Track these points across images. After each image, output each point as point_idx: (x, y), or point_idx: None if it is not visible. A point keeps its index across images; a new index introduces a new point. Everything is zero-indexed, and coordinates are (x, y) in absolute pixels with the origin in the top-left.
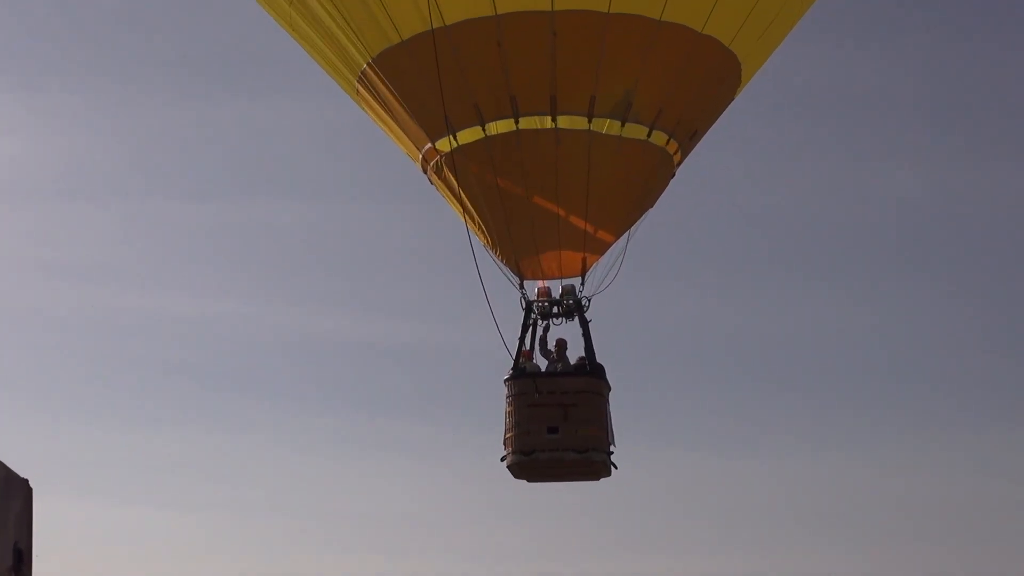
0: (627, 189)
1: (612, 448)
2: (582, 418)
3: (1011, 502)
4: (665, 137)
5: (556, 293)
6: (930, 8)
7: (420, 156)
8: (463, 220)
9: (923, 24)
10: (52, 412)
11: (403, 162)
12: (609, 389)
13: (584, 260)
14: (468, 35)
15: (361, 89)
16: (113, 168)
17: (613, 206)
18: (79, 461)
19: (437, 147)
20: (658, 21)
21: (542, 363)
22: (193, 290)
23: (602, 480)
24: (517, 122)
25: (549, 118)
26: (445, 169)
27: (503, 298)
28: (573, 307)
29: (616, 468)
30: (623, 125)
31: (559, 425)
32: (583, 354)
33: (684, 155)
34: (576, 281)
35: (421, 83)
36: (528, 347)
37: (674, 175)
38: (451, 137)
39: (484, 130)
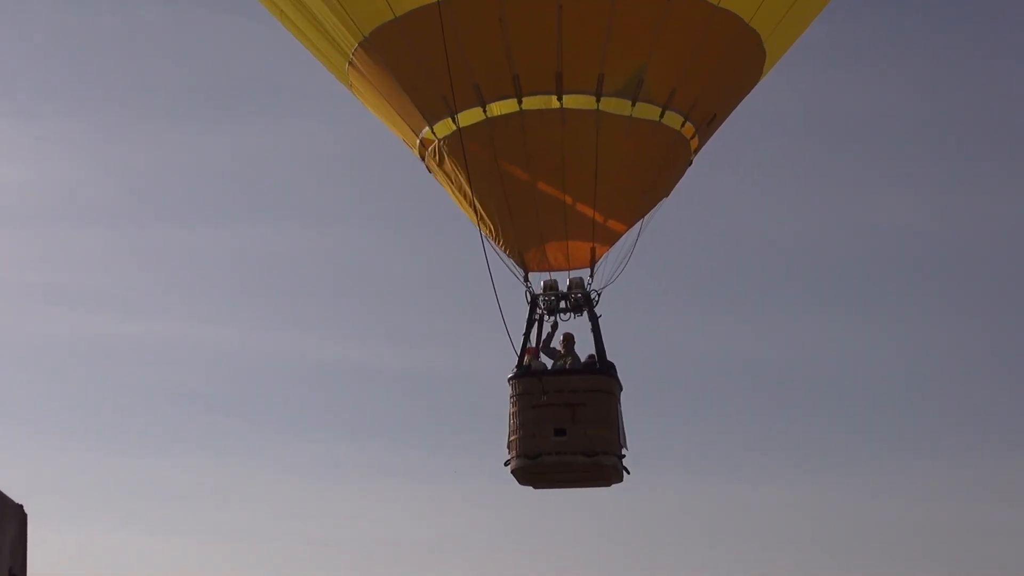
0: (639, 174)
1: (624, 452)
2: (591, 419)
3: None
4: (680, 119)
5: (563, 286)
6: (930, 32)
7: (417, 142)
8: (464, 209)
9: (924, 48)
10: (47, 437)
11: (398, 186)
12: (621, 388)
13: (593, 250)
14: (467, 9)
15: (352, 72)
16: (113, 194)
17: (624, 192)
18: (74, 487)
19: (435, 131)
20: None
21: (548, 364)
22: (194, 316)
23: (613, 487)
24: (520, 102)
25: (554, 97)
26: (443, 155)
27: (506, 294)
28: (581, 301)
29: (628, 473)
30: (634, 105)
31: (566, 427)
32: (592, 352)
33: (702, 141)
34: (585, 273)
35: (417, 62)
36: (534, 344)
37: (691, 163)
38: (449, 120)
39: (485, 111)
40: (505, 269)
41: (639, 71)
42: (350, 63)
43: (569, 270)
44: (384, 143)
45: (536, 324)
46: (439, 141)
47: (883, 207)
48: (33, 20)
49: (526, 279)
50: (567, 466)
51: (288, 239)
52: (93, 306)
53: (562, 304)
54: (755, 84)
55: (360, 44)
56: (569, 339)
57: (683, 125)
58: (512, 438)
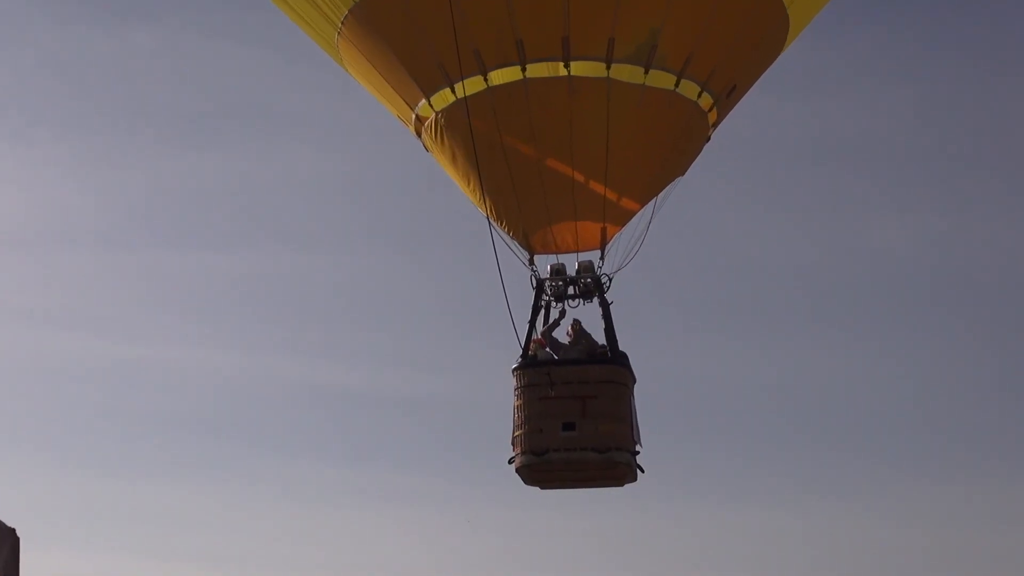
0: (652, 147)
1: (638, 448)
2: (603, 412)
3: None
4: (696, 88)
5: (572, 270)
6: (917, 57)
7: (413, 116)
8: (463, 189)
9: (911, 74)
10: (40, 460)
11: (395, 209)
12: (634, 380)
13: (604, 231)
14: None
15: (342, 43)
16: (108, 217)
17: (636, 167)
18: (68, 510)
19: (432, 103)
20: None
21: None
22: (190, 339)
23: (627, 487)
24: (524, 70)
25: (561, 64)
26: (441, 129)
27: (511, 281)
28: (591, 287)
29: (643, 472)
30: (647, 72)
31: (576, 421)
32: (603, 342)
33: (721, 115)
34: (595, 256)
35: (411, 28)
36: (540, 332)
37: (709, 139)
38: (448, 90)
39: (486, 80)
40: (509, 252)
41: (652, 35)
42: (339, 33)
43: (578, 252)
44: (380, 165)
45: (542, 311)
46: (437, 114)
47: (879, 230)
48: (27, 44)
49: (531, 262)
50: (577, 463)
51: (285, 262)
52: (87, 329)
53: (570, 290)
54: (777, 55)
55: (351, 11)
56: (578, 326)
57: (700, 95)
58: (517, 433)
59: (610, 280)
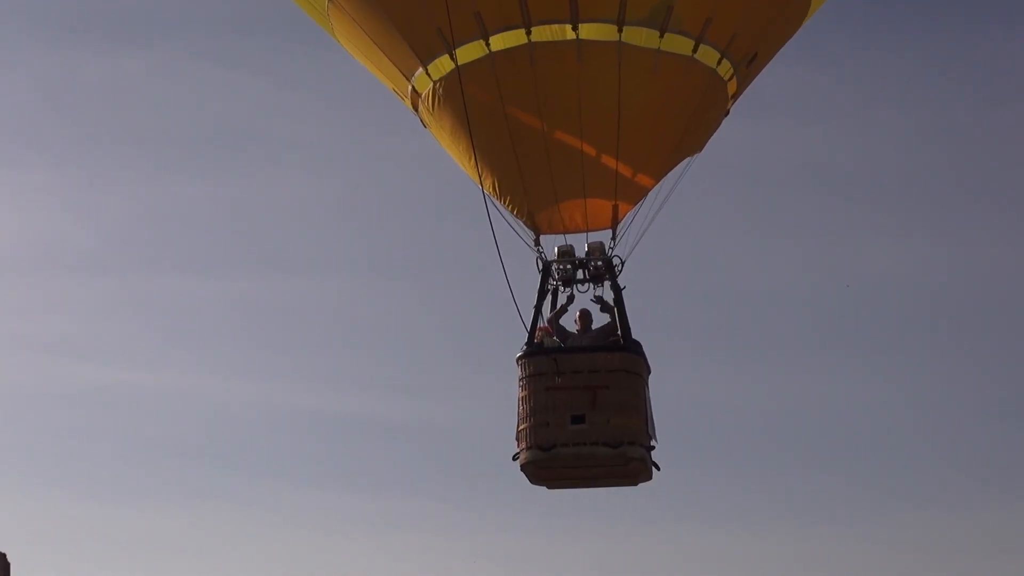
0: (668, 118)
1: (653, 443)
2: (615, 404)
3: None
4: (716, 55)
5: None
6: (909, 81)
7: (409, 87)
8: (462, 166)
9: (905, 97)
10: (30, 486)
11: (393, 235)
12: (649, 371)
13: (615, 209)
14: None
15: (332, 10)
16: (95, 243)
17: (651, 140)
18: (57, 536)
19: (429, 72)
20: None
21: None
22: (186, 366)
23: (641, 486)
24: (529, 33)
25: (569, 27)
26: (440, 100)
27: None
28: (602, 270)
29: (659, 470)
30: (662, 36)
31: (585, 413)
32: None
33: (740, 86)
34: (606, 236)
35: None
36: (547, 319)
37: (728, 113)
38: (447, 56)
39: (487, 45)
40: (511, 233)
41: None
42: (330, 0)
43: (587, 232)
44: (373, 189)
45: (549, 297)
46: (434, 84)
47: (875, 255)
48: (17, 69)
49: (537, 243)
50: (586, 458)
51: (277, 287)
52: (77, 355)
53: (579, 274)
54: (802, 21)
55: None
56: (586, 316)
57: (719, 63)
58: (521, 427)
59: (622, 263)
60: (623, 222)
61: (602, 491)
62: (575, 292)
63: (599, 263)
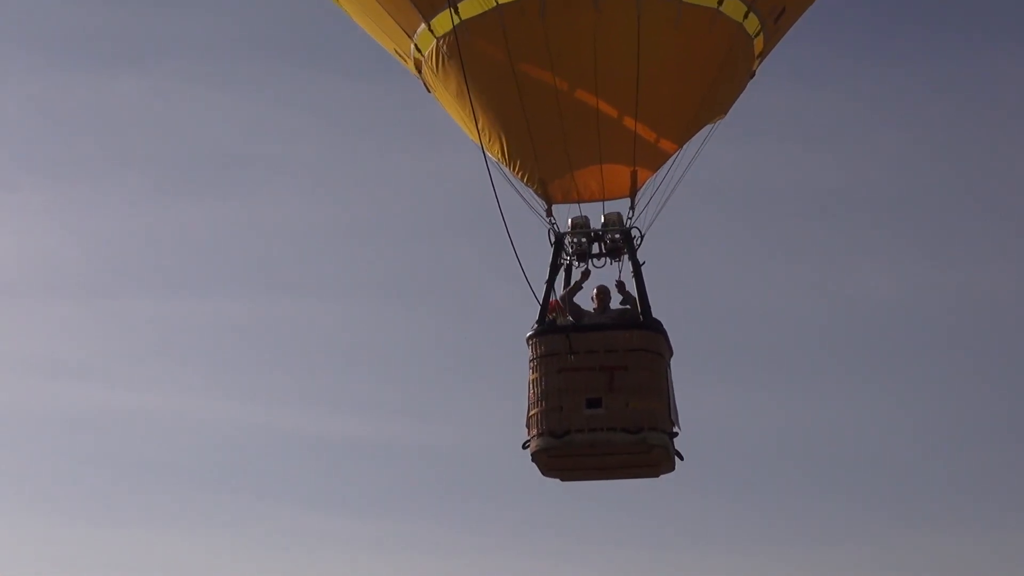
0: (691, 77)
1: (676, 430)
2: (634, 386)
3: None
4: (743, 8)
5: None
6: (897, 104)
7: (412, 46)
8: (468, 131)
9: (892, 120)
10: (28, 511)
11: (394, 256)
12: (671, 352)
13: (634, 175)
14: None
15: None
16: (90, 266)
17: (672, 99)
18: (56, 560)
19: (433, 28)
20: None
21: None
22: (184, 388)
23: (662, 477)
24: None
25: None
26: (443, 59)
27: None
28: (620, 242)
29: (682, 459)
30: None
31: (602, 396)
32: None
33: (767, 45)
34: (623, 206)
35: None
36: (560, 296)
37: (753, 75)
38: (451, 10)
39: None
40: (521, 203)
41: None
42: None
43: (604, 201)
44: (373, 210)
45: (562, 272)
46: (438, 41)
47: (873, 279)
48: (12, 90)
49: (549, 213)
50: (603, 446)
51: (276, 310)
52: (75, 378)
53: (595, 248)
54: None
55: None
56: (604, 292)
57: (746, 16)
58: (532, 413)
59: (642, 235)
60: (642, 190)
61: (614, 494)
62: (591, 267)
63: (616, 236)
